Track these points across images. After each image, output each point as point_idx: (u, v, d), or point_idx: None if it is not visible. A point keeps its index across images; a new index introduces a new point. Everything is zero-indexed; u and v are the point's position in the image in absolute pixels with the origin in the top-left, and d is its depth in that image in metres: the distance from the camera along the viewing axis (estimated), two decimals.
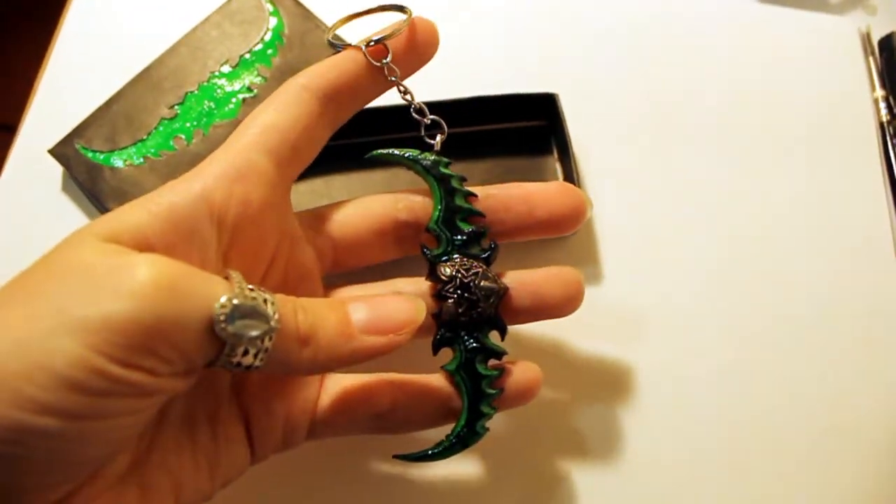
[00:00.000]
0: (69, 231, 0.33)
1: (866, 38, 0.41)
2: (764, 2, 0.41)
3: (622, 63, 0.39)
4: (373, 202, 0.28)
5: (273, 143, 0.24)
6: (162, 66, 0.36)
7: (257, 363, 0.20)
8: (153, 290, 0.18)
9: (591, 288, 0.34)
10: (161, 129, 0.35)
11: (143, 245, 0.21)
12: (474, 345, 0.26)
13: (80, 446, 0.19)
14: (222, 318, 0.19)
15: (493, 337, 0.27)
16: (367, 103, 0.28)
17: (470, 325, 0.26)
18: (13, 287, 0.20)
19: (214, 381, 0.24)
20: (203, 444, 0.23)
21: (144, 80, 0.36)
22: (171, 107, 0.36)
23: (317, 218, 0.28)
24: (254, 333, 0.20)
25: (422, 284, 0.27)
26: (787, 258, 0.35)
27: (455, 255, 0.26)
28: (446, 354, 0.26)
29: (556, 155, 0.36)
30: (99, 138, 0.35)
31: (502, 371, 0.27)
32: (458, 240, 0.26)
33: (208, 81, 0.36)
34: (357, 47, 0.26)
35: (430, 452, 0.26)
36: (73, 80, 0.38)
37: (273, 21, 0.38)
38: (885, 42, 0.40)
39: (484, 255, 0.27)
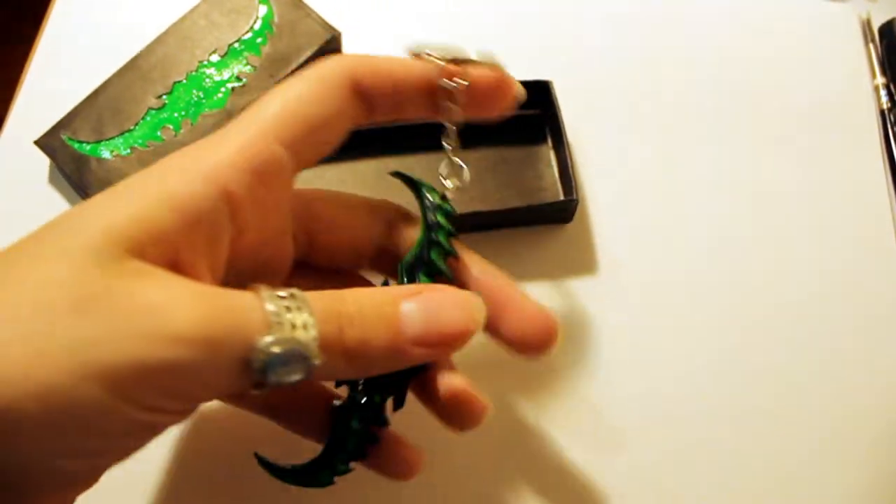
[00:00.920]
0: None
1: (867, 25, 0.40)
2: None
3: (617, 49, 0.39)
4: (356, 209, 0.26)
5: (297, 134, 0.21)
6: (150, 55, 0.36)
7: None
8: (191, 335, 0.17)
9: (587, 277, 0.33)
10: (149, 119, 0.34)
11: (171, 254, 0.19)
12: (363, 399, 0.24)
13: (86, 473, 0.18)
14: (260, 366, 0.18)
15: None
16: (405, 118, 0.25)
17: (370, 380, 0.24)
18: None
19: None
20: None
21: (132, 70, 0.35)
22: (159, 97, 0.35)
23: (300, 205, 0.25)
24: (294, 378, 0.18)
25: None
26: (787, 247, 0.34)
27: None
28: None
29: (550, 143, 0.35)
30: (85, 129, 0.34)
31: (374, 438, 0.24)
32: None
33: (197, 71, 0.36)
34: (438, 64, 0.23)
35: (282, 469, 0.25)
36: (59, 71, 0.37)
37: (262, 9, 0.37)
38: (886, 29, 0.40)
39: None
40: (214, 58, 0.36)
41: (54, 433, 0.16)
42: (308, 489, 0.24)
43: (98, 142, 0.34)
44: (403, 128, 0.35)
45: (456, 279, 0.25)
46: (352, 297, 0.20)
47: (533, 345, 0.24)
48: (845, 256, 0.34)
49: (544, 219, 0.34)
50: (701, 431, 0.30)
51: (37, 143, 0.34)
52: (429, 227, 0.25)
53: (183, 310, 0.17)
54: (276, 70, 0.36)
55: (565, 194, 0.34)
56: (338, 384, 0.26)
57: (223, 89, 0.35)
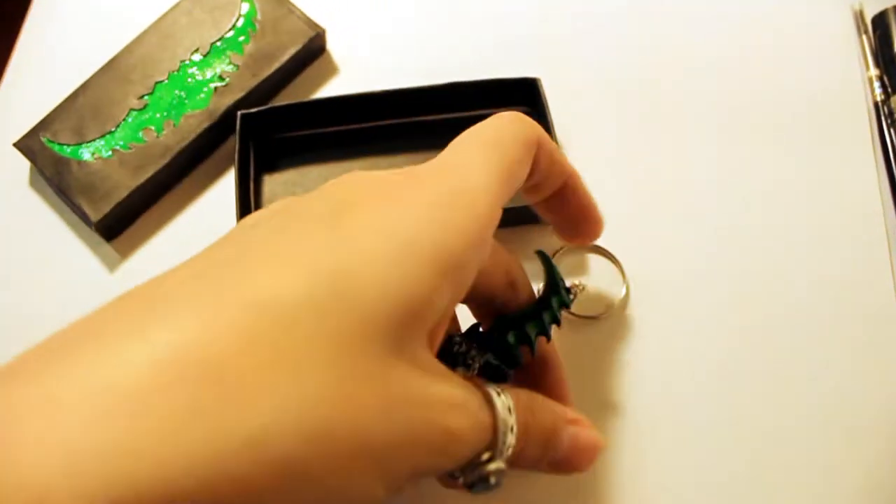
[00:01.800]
0: (38, 228, 0.32)
1: (859, 16, 0.40)
2: None
3: (606, 46, 0.38)
4: None
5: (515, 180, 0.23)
6: (130, 55, 0.35)
7: None
8: (452, 453, 0.19)
9: (578, 277, 0.33)
10: (130, 120, 0.34)
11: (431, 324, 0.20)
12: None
13: None
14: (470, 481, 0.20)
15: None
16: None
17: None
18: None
19: None
20: None
21: (112, 70, 0.35)
22: (140, 97, 0.34)
23: None
24: (493, 481, 0.20)
25: None
26: (778, 241, 0.34)
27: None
28: None
29: None
30: (66, 131, 0.34)
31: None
32: (489, 358, 0.25)
33: (179, 70, 0.35)
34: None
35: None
36: (38, 71, 0.37)
37: (245, 7, 0.36)
38: (879, 20, 0.39)
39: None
40: (197, 57, 0.35)
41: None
42: None
43: (79, 144, 0.33)
44: (394, 126, 0.35)
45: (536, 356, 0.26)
46: (537, 412, 0.22)
47: (567, 468, 0.25)
48: (836, 249, 0.33)
49: (533, 217, 0.33)
50: (699, 430, 0.30)
51: (16, 145, 0.33)
52: (543, 300, 0.27)
53: (456, 421, 0.18)
54: (259, 69, 0.35)
55: None
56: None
57: (206, 89, 0.35)
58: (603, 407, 0.30)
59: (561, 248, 0.33)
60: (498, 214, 0.21)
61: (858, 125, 0.37)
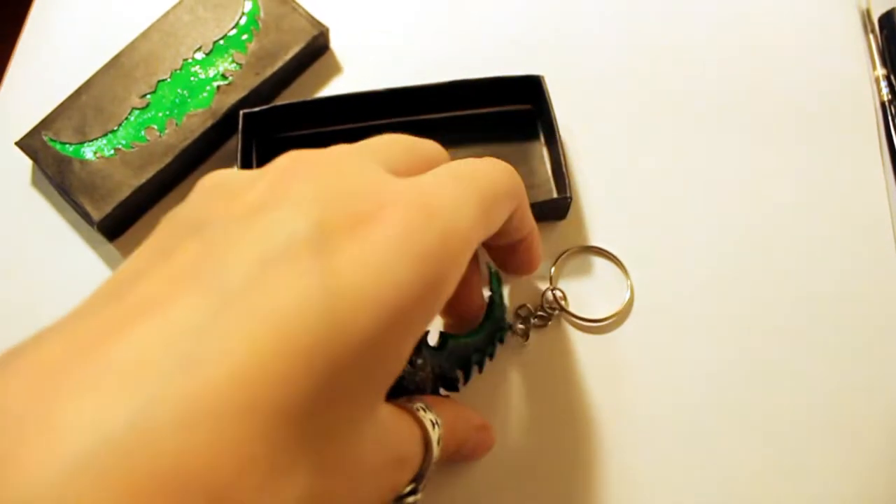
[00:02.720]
0: (40, 227, 0.32)
1: (866, 15, 0.39)
2: None
3: (610, 43, 0.38)
4: None
5: (493, 225, 0.22)
6: (133, 53, 0.35)
7: None
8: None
9: (580, 276, 0.32)
10: (132, 119, 0.34)
11: None
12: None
13: None
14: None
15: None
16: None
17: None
18: None
19: None
20: None
21: (114, 68, 0.35)
22: (143, 96, 0.34)
23: None
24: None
25: None
26: (784, 242, 0.33)
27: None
28: None
29: (542, 139, 0.34)
30: (68, 130, 0.33)
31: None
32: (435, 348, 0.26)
33: (181, 69, 0.35)
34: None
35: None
36: (40, 69, 0.36)
37: (248, 5, 0.36)
38: (886, 19, 0.39)
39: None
40: (199, 55, 0.35)
41: None
42: None
43: (81, 143, 0.33)
44: (397, 125, 0.35)
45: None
46: (458, 431, 0.24)
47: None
48: (843, 249, 0.33)
49: (538, 216, 0.33)
50: (703, 434, 0.30)
51: (18, 144, 0.33)
52: (489, 336, 0.28)
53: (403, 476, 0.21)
54: (262, 68, 0.35)
55: (559, 191, 0.33)
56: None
57: (209, 88, 0.35)
58: (606, 410, 0.30)
59: (566, 251, 0.32)
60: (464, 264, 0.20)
61: (865, 125, 0.36)
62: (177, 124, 0.34)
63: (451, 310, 0.28)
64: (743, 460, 0.29)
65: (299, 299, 0.15)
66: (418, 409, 0.22)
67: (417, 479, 0.21)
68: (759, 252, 0.33)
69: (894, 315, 0.32)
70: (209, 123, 0.34)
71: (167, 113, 0.34)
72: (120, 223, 0.33)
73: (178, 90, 0.34)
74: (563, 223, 0.33)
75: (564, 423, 0.30)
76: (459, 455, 0.26)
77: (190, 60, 0.35)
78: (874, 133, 0.36)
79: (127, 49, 0.35)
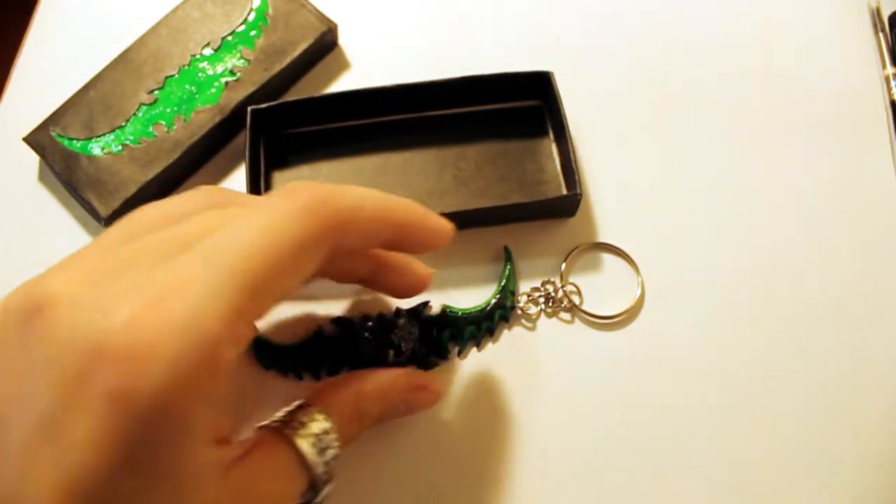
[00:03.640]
0: (47, 223, 0.32)
1: (876, 14, 0.39)
2: None
3: (619, 39, 0.38)
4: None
5: (272, 294, 0.20)
6: (141, 49, 0.35)
7: None
8: None
9: (590, 273, 0.32)
10: (140, 115, 0.34)
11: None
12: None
13: None
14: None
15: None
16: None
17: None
18: None
19: None
20: None
21: (123, 63, 0.35)
22: (151, 92, 0.34)
23: None
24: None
25: None
26: (795, 239, 0.33)
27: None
28: None
29: (551, 136, 0.34)
30: (76, 125, 0.33)
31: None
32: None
33: (189, 65, 0.35)
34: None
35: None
36: (48, 65, 0.36)
37: (256, 1, 0.36)
38: None
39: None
40: (207, 51, 0.35)
41: None
42: None
43: (88, 138, 0.33)
44: (406, 121, 0.34)
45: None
46: (365, 411, 0.25)
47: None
48: (853, 249, 0.33)
49: (547, 213, 0.33)
50: (714, 431, 0.29)
51: (26, 139, 0.33)
52: (489, 313, 0.29)
53: None
54: (270, 64, 0.35)
55: (568, 188, 0.33)
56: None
57: (216, 84, 0.34)
58: (616, 406, 0.30)
59: (577, 248, 0.32)
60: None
61: (875, 124, 0.36)
62: (185, 120, 0.34)
63: (378, 285, 0.28)
64: (755, 458, 0.29)
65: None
66: (296, 428, 0.22)
67: (314, 487, 0.22)
68: (770, 249, 0.33)
69: None
70: (217, 119, 0.34)
71: (175, 109, 0.34)
72: None
73: (186, 86, 0.34)
74: (572, 220, 0.33)
75: (570, 417, 0.29)
76: (396, 414, 0.27)
77: (198, 56, 0.35)
78: (885, 131, 0.36)
79: (135, 45, 0.35)
